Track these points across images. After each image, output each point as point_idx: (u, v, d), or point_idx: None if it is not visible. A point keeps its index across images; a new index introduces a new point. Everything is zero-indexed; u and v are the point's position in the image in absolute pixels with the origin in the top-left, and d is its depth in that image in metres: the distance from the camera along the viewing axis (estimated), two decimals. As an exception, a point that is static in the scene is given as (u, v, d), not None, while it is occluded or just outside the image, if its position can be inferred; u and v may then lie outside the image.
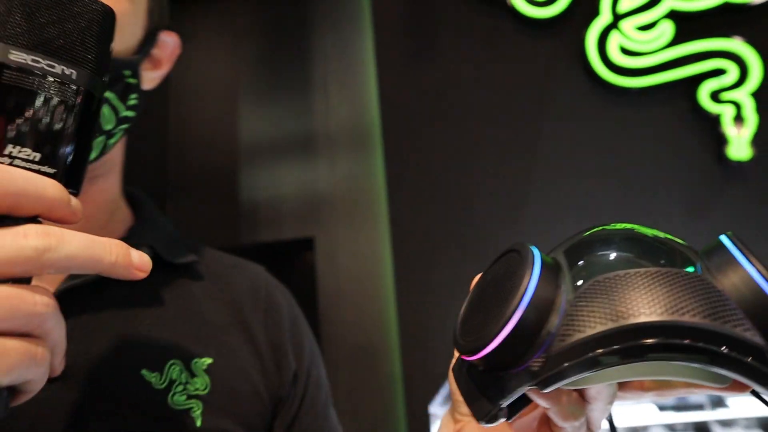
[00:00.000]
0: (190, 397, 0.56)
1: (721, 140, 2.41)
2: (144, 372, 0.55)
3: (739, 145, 2.37)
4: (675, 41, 2.48)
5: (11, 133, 0.33)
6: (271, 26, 3.31)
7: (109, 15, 0.36)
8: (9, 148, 0.33)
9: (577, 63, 2.59)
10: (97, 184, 0.61)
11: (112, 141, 0.58)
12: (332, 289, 2.94)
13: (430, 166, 2.65)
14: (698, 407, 1.94)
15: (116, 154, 0.63)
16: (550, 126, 2.59)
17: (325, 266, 2.98)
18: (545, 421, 0.43)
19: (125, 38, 0.57)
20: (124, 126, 0.59)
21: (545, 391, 0.33)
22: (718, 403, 1.93)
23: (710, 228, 2.34)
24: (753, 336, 0.30)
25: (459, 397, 0.42)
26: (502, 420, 0.38)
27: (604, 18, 2.53)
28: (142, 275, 0.36)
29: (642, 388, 0.39)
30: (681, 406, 1.94)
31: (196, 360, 0.59)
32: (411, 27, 2.78)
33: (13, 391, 0.33)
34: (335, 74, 3.14)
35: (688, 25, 2.48)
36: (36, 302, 0.32)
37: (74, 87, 0.34)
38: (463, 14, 2.71)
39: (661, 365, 0.35)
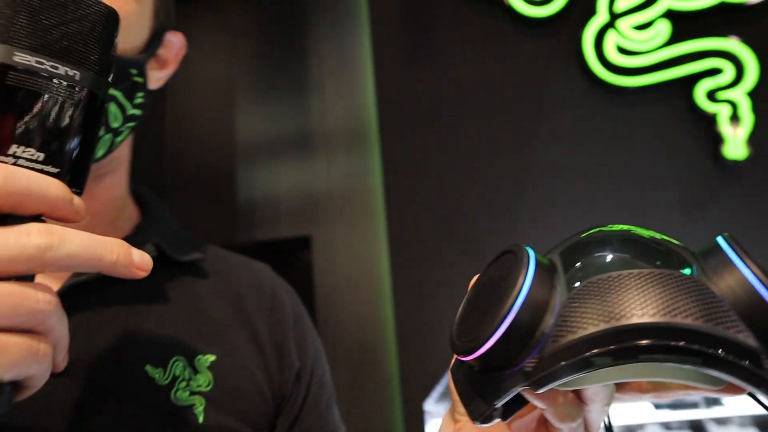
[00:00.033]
0: (192, 393, 0.57)
1: (718, 139, 2.42)
2: (148, 368, 0.55)
3: (735, 145, 2.38)
4: (671, 41, 2.49)
5: (16, 133, 0.33)
6: (269, 25, 3.31)
7: (112, 17, 0.37)
8: (13, 148, 0.33)
9: (574, 62, 2.60)
10: (104, 182, 0.62)
11: (119, 139, 0.59)
12: (329, 287, 2.94)
13: (426, 165, 2.66)
14: (693, 405, 1.94)
15: (123, 152, 0.64)
16: (547, 125, 2.60)
17: (322, 265, 2.98)
18: (543, 422, 0.43)
19: (132, 38, 0.58)
20: (131, 124, 0.59)
21: (539, 391, 0.33)
22: (713, 401, 1.94)
23: (706, 227, 2.35)
24: (746, 338, 0.30)
25: (457, 397, 0.43)
26: (497, 420, 0.38)
27: (601, 17, 2.53)
28: (143, 274, 0.37)
29: (640, 389, 0.39)
30: (676, 405, 1.95)
31: (199, 357, 0.59)
32: (408, 26, 2.79)
33: (16, 386, 0.34)
34: (332, 73, 3.14)
35: (684, 25, 2.49)
36: (38, 299, 0.32)
37: (78, 88, 0.35)
38: (460, 13, 2.71)
39: (655, 366, 0.35)
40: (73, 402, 0.51)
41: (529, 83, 2.63)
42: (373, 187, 2.93)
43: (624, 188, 2.50)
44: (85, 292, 0.55)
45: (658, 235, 0.37)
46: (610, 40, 2.51)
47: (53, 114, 0.34)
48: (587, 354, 0.30)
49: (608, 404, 0.39)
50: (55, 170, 0.35)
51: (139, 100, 0.59)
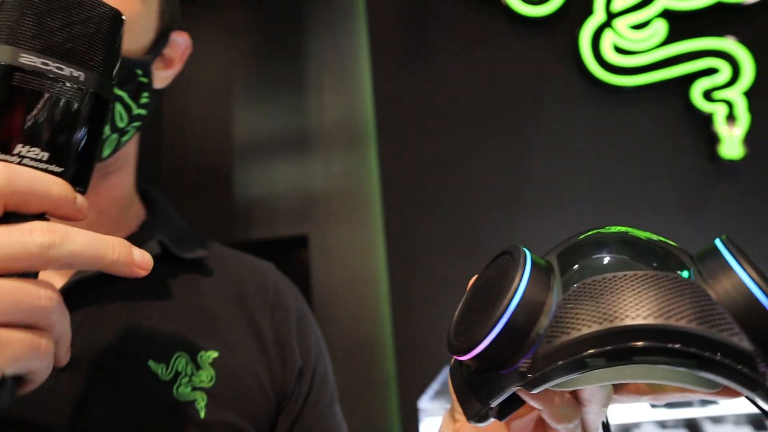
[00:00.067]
0: (195, 389, 0.57)
1: (714, 139, 2.43)
2: (150, 363, 0.56)
3: (732, 144, 2.38)
4: (668, 40, 2.49)
5: (21, 134, 0.34)
6: (266, 24, 3.31)
7: (117, 18, 0.37)
8: (18, 148, 0.34)
9: (571, 61, 2.60)
10: (111, 180, 0.63)
11: (125, 138, 0.60)
12: (326, 286, 2.94)
13: (424, 164, 2.66)
14: (688, 404, 1.95)
15: (129, 151, 0.65)
16: (544, 124, 2.60)
17: (319, 264, 2.98)
18: (541, 422, 0.43)
19: (137, 38, 0.59)
20: (137, 124, 0.60)
21: (533, 392, 0.33)
22: (708, 400, 1.94)
23: (702, 226, 2.36)
24: (741, 341, 0.30)
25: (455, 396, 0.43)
26: (492, 420, 0.38)
27: (598, 17, 2.54)
28: (143, 273, 0.37)
29: (637, 391, 0.39)
30: (672, 403, 1.95)
31: (202, 353, 0.60)
32: (405, 24, 2.79)
33: (18, 380, 0.35)
34: (330, 72, 3.14)
35: (681, 24, 2.50)
36: (40, 296, 0.33)
37: (82, 89, 0.36)
38: (458, 12, 2.71)
39: (650, 368, 0.35)
40: (75, 396, 0.52)
41: (526, 82, 2.64)
42: (370, 186, 2.93)
43: (620, 187, 2.51)
44: (90, 288, 0.56)
45: (655, 237, 0.37)
46: (607, 40, 2.52)
47: (58, 114, 0.35)
48: (581, 355, 0.31)
49: (606, 406, 0.39)
50: (59, 169, 0.35)
51: (144, 100, 0.60)
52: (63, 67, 0.35)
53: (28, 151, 0.34)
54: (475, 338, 0.35)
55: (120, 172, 0.64)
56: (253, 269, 0.74)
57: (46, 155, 0.35)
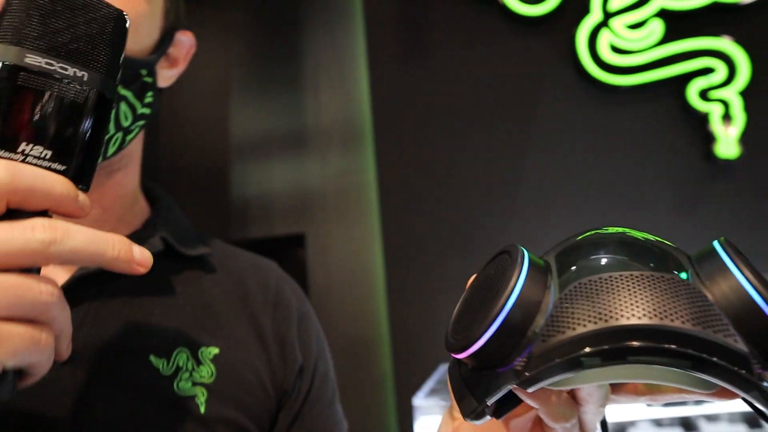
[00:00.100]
0: (195, 384, 0.58)
1: (710, 138, 2.44)
2: (152, 358, 0.57)
3: (727, 144, 2.39)
4: (664, 40, 2.50)
5: (25, 132, 0.34)
6: (263, 23, 3.30)
7: (120, 19, 0.38)
8: (22, 146, 0.34)
9: (568, 60, 2.61)
10: (115, 178, 0.63)
11: (129, 137, 0.60)
12: (323, 285, 2.95)
13: (421, 163, 2.67)
14: (683, 402, 1.96)
15: (134, 149, 0.66)
16: (541, 123, 2.61)
17: (316, 263, 2.99)
18: (539, 421, 0.43)
19: (142, 38, 0.59)
20: (141, 122, 0.61)
21: (529, 390, 0.33)
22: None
23: (698, 225, 2.37)
24: (736, 342, 0.30)
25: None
26: (488, 418, 0.38)
27: (595, 16, 2.54)
28: (143, 270, 0.38)
29: (635, 391, 0.39)
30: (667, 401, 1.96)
31: (203, 349, 0.60)
32: (402, 24, 2.79)
33: (19, 374, 0.35)
34: (327, 71, 3.14)
35: (677, 24, 2.50)
36: (41, 291, 0.34)
37: (86, 88, 0.36)
38: (455, 11, 2.72)
39: (646, 369, 0.35)
40: (76, 389, 0.52)
41: (522, 81, 2.64)
42: (367, 185, 2.94)
43: (616, 186, 2.51)
44: (93, 284, 0.57)
45: (653, 238, 0.37)
46: (604, 39, 2.52)
47: (62, 113, 0.35)
48: (576, 354, 0.31)
49: (603, 405, 0.40)
50: (62, 167, 0.36)
51: (149, 100, 0.61)
52: (67, 67, 0.35)
53: (32, 150, 0.35)
54: (471, 336, 0.35)
55: (125, 170, 0.65)
56: (255, 267, 0.75)
57: (49, 153, 0.35)
